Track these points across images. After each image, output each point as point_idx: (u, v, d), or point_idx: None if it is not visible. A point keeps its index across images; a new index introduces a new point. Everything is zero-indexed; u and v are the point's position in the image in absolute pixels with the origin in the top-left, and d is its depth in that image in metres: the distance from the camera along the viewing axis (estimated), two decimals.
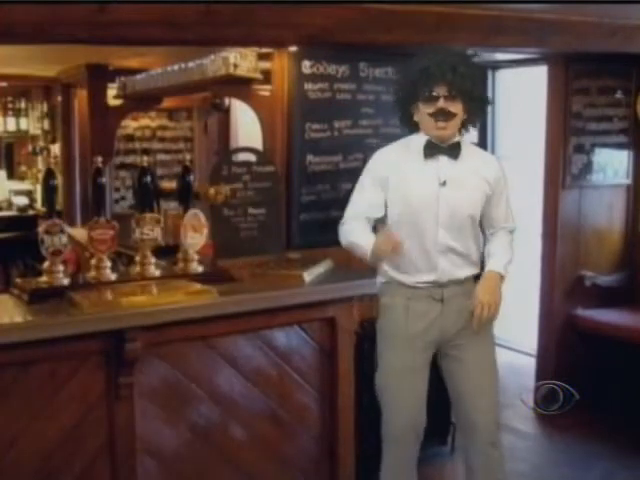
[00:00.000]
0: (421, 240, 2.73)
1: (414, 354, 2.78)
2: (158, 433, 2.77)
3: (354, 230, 2.82)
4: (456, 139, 2.75)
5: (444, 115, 2.66)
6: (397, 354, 2.81)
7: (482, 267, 2.88)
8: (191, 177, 3.13)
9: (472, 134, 5.15)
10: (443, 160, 2.73)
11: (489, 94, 2.89)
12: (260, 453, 3.04)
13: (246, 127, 5.82)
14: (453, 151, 2.73)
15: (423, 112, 2.71)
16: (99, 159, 2.95)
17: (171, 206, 3.58)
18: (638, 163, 4.80)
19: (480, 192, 2.77)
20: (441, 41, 3.66)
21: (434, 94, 2.66)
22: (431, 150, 2.73)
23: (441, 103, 2.66)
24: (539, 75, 4.76)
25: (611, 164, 4.73)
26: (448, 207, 2.70)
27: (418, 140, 2.77)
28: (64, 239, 2.78)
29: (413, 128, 2.81)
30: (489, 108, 5.52)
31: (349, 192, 3.79)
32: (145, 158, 3.51)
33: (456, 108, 2.68)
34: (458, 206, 2.71)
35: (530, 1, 3.69)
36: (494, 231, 2.89)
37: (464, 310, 2.76)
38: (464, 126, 2.79)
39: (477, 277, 2.86)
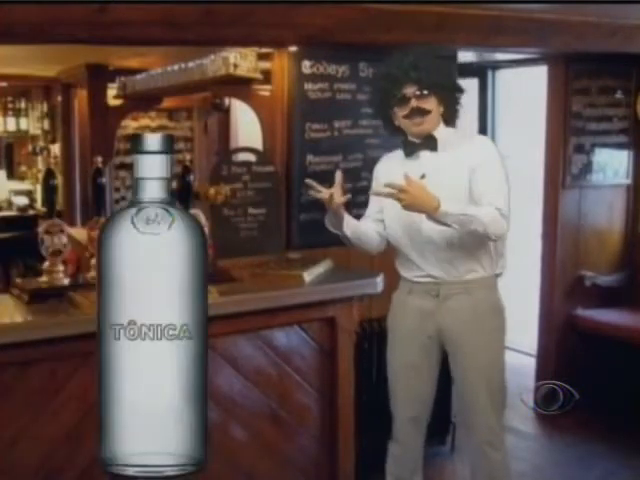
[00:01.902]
0: (410, 234, 2.76)
1: (411, 348, 2.81)
2: None
3: None
4: (435, 132, 2.74)
5: (419, 113, 2.68)
6: (396, 347, 2.87)
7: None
8: (191, 177, 3.12)
9: (473, 131, 5.16)
10: (425, 155, 2.75)
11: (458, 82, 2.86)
12: (260, 453, 3.04)
13: (246, 127, 5.82)
14: (430, 143, 2.74)
15: (399, 116, 2.73)
16: (99, 159, 2.95)
17: None
18: (638, 163, 4.80)
19: (462, 180, 2.69)
20: (441, 41, 3.66)
21: (404, 95, 2.67)
22: (409, 148, 2.77)
23: (413, 103, 2.68)
24: (539, 75, 4.76)
25: (611, 164, 4.73)
26: None
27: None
28: (64, 239, 2.78)
29: (399, 133, 2.83)
30: (489, 110, 5.54)
31: (349, 192, 3.81)
32: None
33: (429, 104, 2.69)
34: (441, 196, 2.65)
35: (530, 1, 3.69)
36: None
37: (462, 310, 2.75)
38: (446, 120, 2.79)
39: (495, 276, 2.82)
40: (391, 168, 2.82)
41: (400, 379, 2.85)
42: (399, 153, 2.85)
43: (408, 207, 2.53)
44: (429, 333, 2.79)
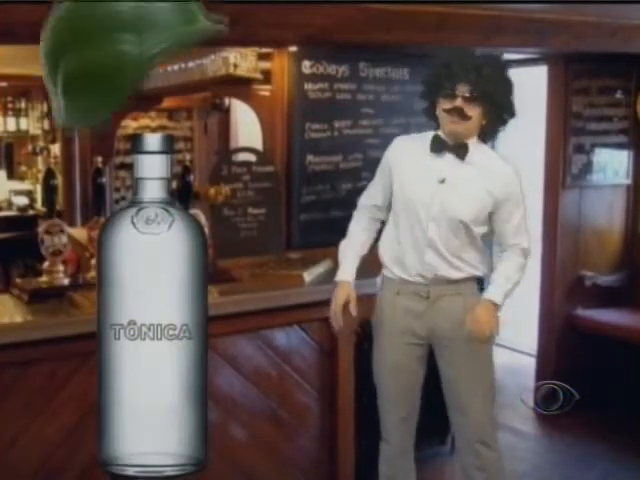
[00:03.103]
0: (413, 233, 2.72)
1: (399, 348, 2.79)
2: None
3: (351, 234, 2.88)
4: (468, 140, 2.70)
5: (459, 114, 2.63)
6: (383, 347, 2.83)
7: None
8: (191, 177, 3.13)
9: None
10: (449, 158, 2.70)
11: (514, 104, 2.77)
12: (260, 453, 3.04)
13: (246, 127, 5.82)
14: (459, 150, 2.69)
15: (440, 107, 2.68)
16: (99, 159, 2.95)
17: None
18: (638, 163, 4.80)
19: (478, 202, 2.69)
20: (441, 41, 3.66)
21: (454, 92, 2.62)
22: (438, 145, 2.71)
23: (459, 102, 2.61)
24: (539, 75, 4.76)
25: (611, 164, 4.73)
26: (441, 206, 2.68)
27: (432, 135, 2.77)
28: (64, 239, 2.79)
29: (435, 120, 2.77)
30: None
31: (349, 192, 3.83)
32: None
33: (473, 111, 2.63)
34: (451, 208, 2.67)
35: (530, 1, 3.69)
36: (503, 248, 2.80)
37: (455, 310, 2.74)
38: (485, 134, 2.75)
39: (481, 281, 2.84)
40: (412, 158, 2.76)
41: (388, 380, 2.82)
42: (419, 142, 2.77)
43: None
44: (418, 333, 2.77)
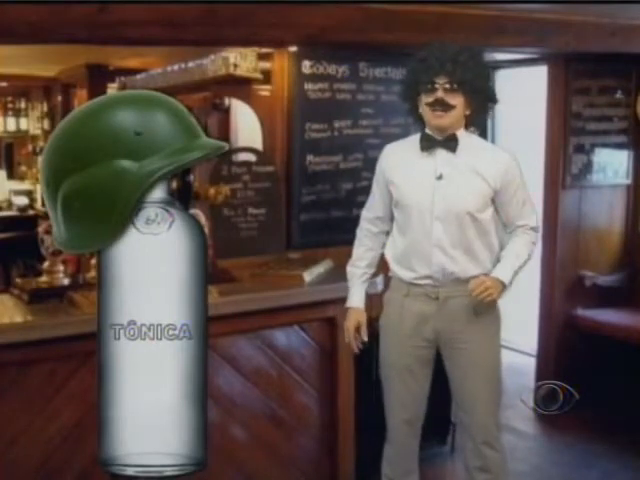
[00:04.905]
0: (418, 235, 2.71)
1: (407, 351, 2.78)
2: None
3: (355, 257, 2.89)
4: (456, 132, 2.69)
5: (442, 105, 2.62)
6: (391, 350, 2.82)
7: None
8: (191, 177, 3.13)
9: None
10: (441, 153, 2.69)
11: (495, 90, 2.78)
12: (260, 453, 3.04)
13: (246, 127, 5.81)
14: (449, 143, 2.68)
15: (423, 103, 2.67)
16: None
17: None
18: (638, 163, 4.80)
19: (477, 191, 2.68)
20: (441, 41, 3.66)
21: (434, 85, 2.62)
22: (427, 142, 2.70)
23: (440, 93, 2.61)
24: (539, 75, 4.76)
25: (611, 164, 4.73)
26: (444, 202, 2.67)
27: (419, 135, 2.77)
28: None
29: (420, 121, 2.77)
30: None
31: (349, 192, 3.83)
32: None
33: (455, 100, 2.63)
34: (453, 202, 2.66)
35: (530, 1, 3.69)
36: (511, 230, 2.82)
37: (463, 311, 2.73)
38: (469, 122, 2.74)
39: None
40: (404, 161, 2.75)
41: (395, 382, 2.81)
42: (409, 145, 2.77)
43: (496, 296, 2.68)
44: (426, 336, 2.76)
